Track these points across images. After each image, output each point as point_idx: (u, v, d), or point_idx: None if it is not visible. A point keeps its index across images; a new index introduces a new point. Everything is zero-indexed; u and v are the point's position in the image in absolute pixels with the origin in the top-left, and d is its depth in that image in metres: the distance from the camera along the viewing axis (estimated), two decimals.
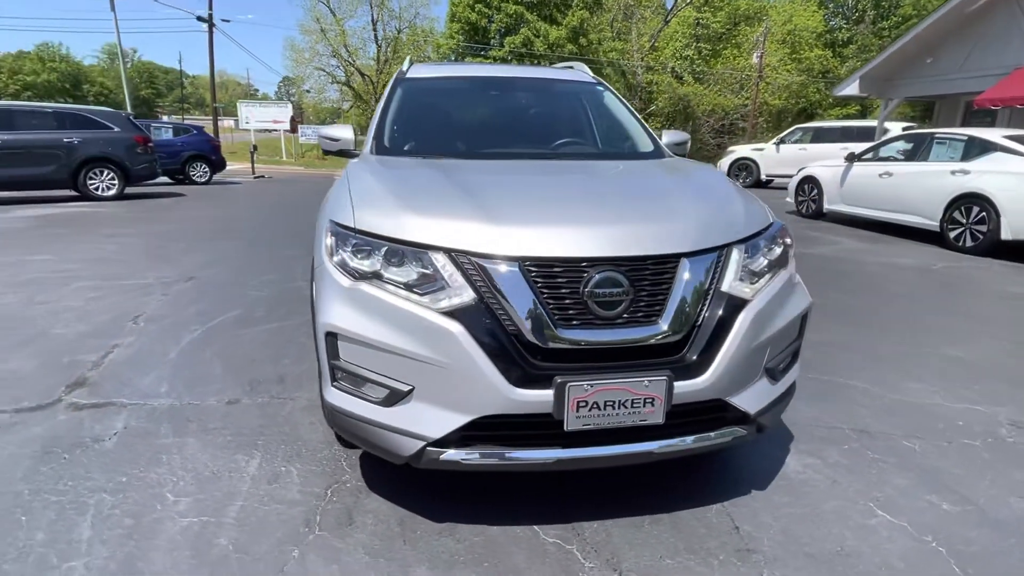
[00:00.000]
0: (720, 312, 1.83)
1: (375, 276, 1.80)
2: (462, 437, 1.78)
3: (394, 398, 1.78)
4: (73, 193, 11.05)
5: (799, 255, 7.28)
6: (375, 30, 37.17)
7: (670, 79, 32.84)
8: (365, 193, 2.08)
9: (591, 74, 3.74)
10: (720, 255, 1.89)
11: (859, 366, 3.49)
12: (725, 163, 17.21)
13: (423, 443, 1.77)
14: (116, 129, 11.22)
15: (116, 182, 11.22)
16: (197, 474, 2.25)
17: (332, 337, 1.84)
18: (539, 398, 1.69)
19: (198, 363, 3.35)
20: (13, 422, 2.60)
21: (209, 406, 2.80)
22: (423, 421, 1.76)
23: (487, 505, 2.09)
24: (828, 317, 4.41)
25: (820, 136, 15.85)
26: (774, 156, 16.29)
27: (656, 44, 34.56)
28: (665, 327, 1.77)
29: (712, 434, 1.90)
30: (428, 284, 1.75)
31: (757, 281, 1.95)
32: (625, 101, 3.40)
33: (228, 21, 38.57)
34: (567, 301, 1.74)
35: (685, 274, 1.81)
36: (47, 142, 10.44)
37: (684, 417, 1.86)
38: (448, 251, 1.76)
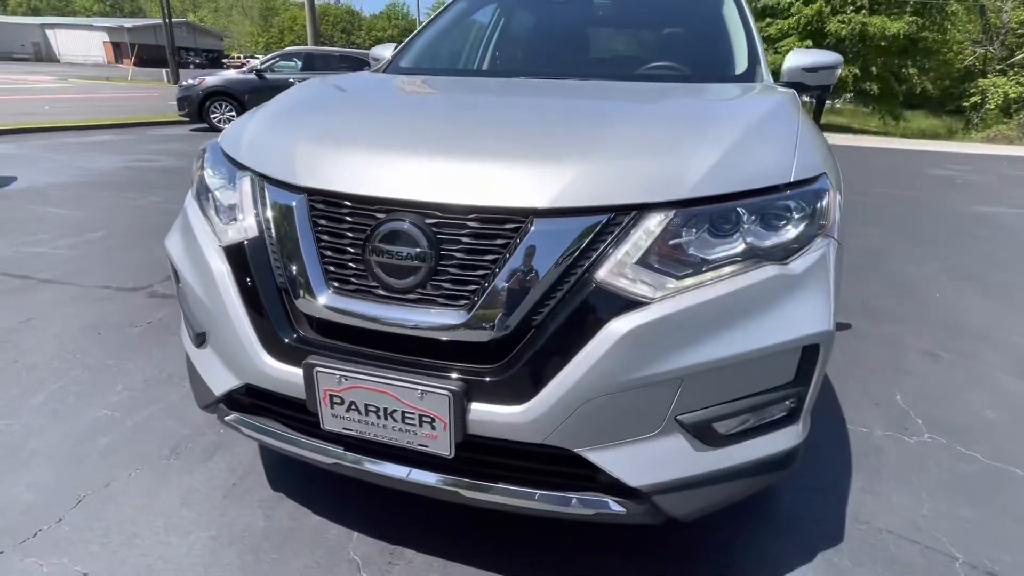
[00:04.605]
0: (584, 312, 1.13)
1: (208, 195, 1.55)
2: (252, 403, 1.47)
3: (199, 339, 1.55)
4: None
5: None
6: None
7: None
8: (260, 109, 1.80)
9: None
10: (610, 221, 1.15)
11: None
12: None
13: (213, 397, 1.51)
14: None
15: None
16: (158, 372, 2.38)
17: (170, 260, 1.68)
18: (291, 377, 1.27)
19: None
20: (104, 297, 3.12)
21: None
22: (214, 373, 1.49)
23: (330, 491, 1.75)
24: None
25: None
26: None
27: None
28: (464, 318, 1.15)
29: (549, 495, 1.23)
30: (232, 211, 1.44)
31: (691, 274, 1.15)
32: (747, 13, 2.39)
33: None
34: (348, 257, 1.25)
35: (530, 243, 1.14)
36: None
37: (503, 457, 1.24)
38: (254, 173, 1.41)
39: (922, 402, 2.36)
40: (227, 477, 1.80)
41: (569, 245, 1.14)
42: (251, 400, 1.46)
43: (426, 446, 1.21)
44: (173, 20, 30.04)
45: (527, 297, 1.14)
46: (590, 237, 1.14)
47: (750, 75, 2.10)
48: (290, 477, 1.80)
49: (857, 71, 21.04)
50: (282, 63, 12.26)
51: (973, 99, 25.73)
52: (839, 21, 20.72)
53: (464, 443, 1.19)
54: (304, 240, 1.27)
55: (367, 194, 1.22)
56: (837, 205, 1.35)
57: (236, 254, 1.35)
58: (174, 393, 2.24)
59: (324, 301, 1.24)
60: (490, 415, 1.16)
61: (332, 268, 1.26)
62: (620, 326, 1.10)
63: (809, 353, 1.22)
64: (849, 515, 1.72)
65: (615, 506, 1.22)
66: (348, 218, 1.24)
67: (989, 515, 1.75)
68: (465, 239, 1.17)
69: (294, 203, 1.29)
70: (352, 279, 1.24)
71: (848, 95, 25.15)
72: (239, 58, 58.94)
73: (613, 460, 1.18)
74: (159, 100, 17.02)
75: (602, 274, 1.13)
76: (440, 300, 1.19)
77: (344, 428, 1.26)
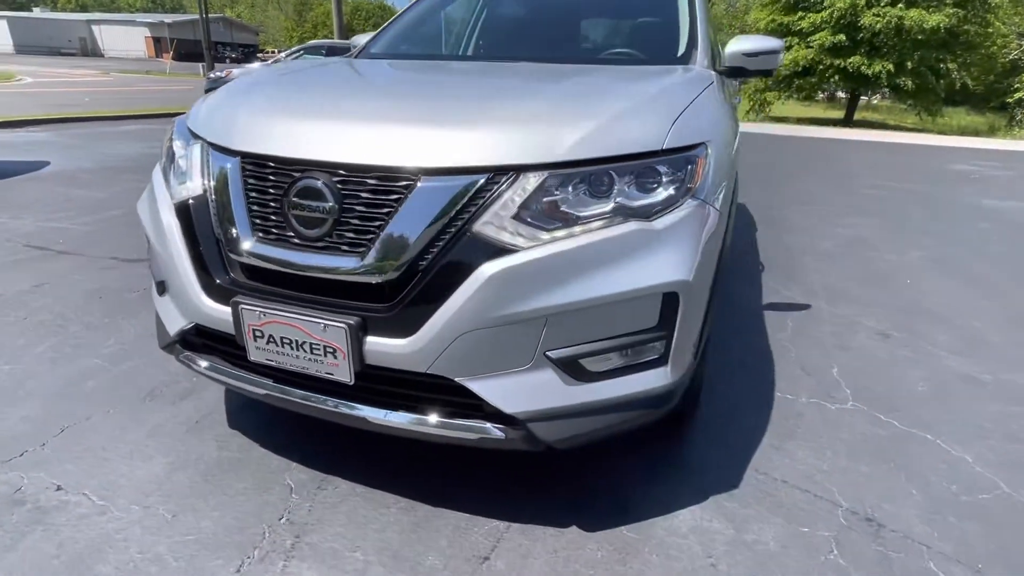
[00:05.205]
0: (462, 259, 1.30)
1: (171, 164, 1.77)
2: (202, 343, 1.68)
3: (161, 288, 1.76)
4: None
5: None
6: None
7: None
8: (226, 87, 2.01)
9: None
10: (489, 180, 1.31)
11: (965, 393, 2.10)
12: None
13: (169, 338, 1.72)
14: None
15: None
16: (146, 330, 2.62)
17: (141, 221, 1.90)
18: (225, 316, 1.48)
19: None
20: (109, 266, 3.40)
21: None
22: (170, 316, 1.71)
23: (279, 430, 1.96)
24: None
25: None
26: None
27: None
28: (361, 262, 1.34)
29: (439, 420, 1.41)
30: (184, 175, 1.65)
31: (561, 228, 1.31)
32: (696, 3, 2.50)
33: None
34: (270, 210, 1.44)
35: (418, 198, 1.31)
36: None
37: (403, 387, 1.42)
38: (204, 141, 1.62)
39: (856, 375, 2.46)
40: (192, 416, 2.02)
41: (451, 200, 1.30)
42: (201, 340, 1.67)
43: (331, 374, 1.40)
44: (210, 15, 30.96)
45: (413, 245, 1.31)
46: (471, 193, 1.31)
47: (685, 59, 2.23)
48: (247, 418, 2.02)
49: (891, 66, 20.46)
50: (306, 56, 12.61)
51: (1017, 94, 24.74)
52: (874, 14, 20.17)
53: (363, 373, 1.38)
54: (235, 196, 1.47)
55: (286, 156, 1.41)
56: (715, 175, 1.50)
57: (184, 210, 1.56)
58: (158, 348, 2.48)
59: (249, 248, 1.43)
60: (382, 347, 1.34)
61: (258, 220, 1.45)
62: (487, 269, 1.27)
63: (670, 300, 1.37)
64: (751, 467, 1.85)
65: (496, 432, 1.39)
66: (271, 177, 1.43)
67: (885, 471, 1.86)
68: (364, 194, 1.35)
69: (229, 165, 1.49)
70: (273, 229, 1.43)
71: (884, 90, 24.45)
72: (274, 52, 60.28)
73: (491, 389, 1.35)
74: (193, 92, 17.64)
75: (479, 226, 1.30)
76: (343, 247, 1.37)
77: (266, 359, 1.45)
